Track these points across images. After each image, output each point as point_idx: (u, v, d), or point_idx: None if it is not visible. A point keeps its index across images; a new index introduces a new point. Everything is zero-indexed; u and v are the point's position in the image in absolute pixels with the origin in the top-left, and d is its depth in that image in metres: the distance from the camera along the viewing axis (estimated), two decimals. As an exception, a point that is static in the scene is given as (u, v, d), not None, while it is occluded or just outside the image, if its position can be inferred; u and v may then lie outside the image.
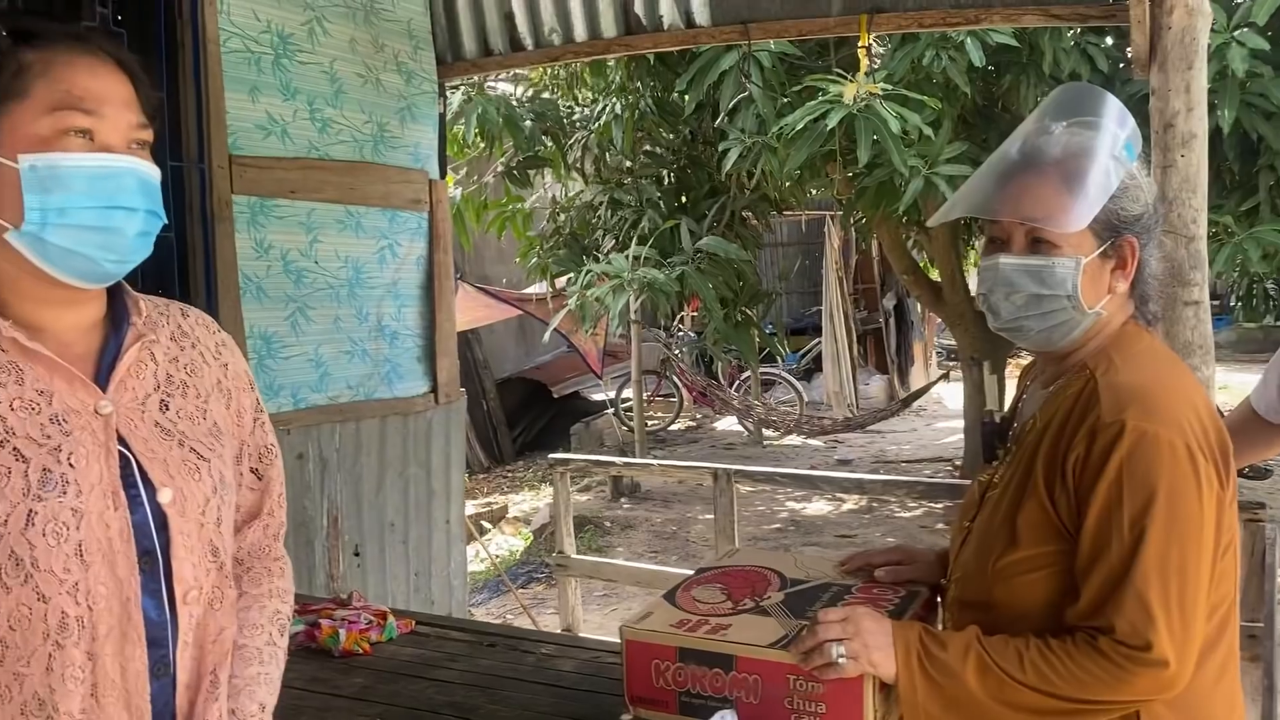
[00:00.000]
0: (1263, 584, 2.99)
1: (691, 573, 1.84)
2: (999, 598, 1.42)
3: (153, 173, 1.20)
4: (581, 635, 4.29)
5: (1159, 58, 2.74)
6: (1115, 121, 1.41)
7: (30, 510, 1.11)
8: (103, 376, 1.22)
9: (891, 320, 12.56)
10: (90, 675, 1.14)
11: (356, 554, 3.64)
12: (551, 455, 4.77)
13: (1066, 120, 1.41)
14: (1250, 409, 2.09)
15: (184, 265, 3.06)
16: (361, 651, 2.65)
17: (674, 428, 11.90)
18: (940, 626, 1.62)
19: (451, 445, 4.09)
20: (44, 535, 1.11)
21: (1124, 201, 1.40)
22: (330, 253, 3.50)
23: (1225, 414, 1.95)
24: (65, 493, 1.13)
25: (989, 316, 1.48)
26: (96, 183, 1.14)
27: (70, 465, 1.15)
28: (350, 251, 3.58)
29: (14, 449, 1.13)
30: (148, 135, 1.20)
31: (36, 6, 3.04)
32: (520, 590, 6.47)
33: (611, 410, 11.07)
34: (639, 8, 3.66)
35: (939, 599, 1.68)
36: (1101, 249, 1.40)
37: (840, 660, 1.36)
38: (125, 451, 1.20)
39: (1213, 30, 3.14)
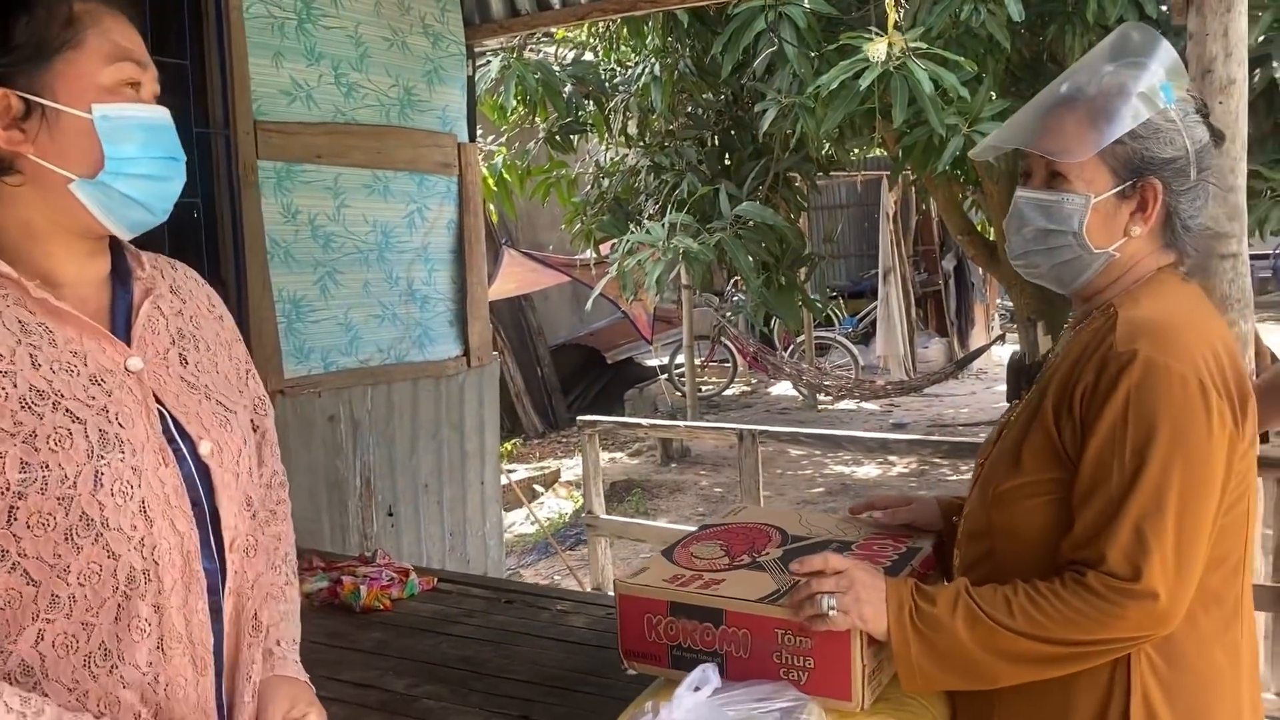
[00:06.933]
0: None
1: (694, 529, 1.85)
2: (997, 522, 1.40)
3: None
4: (608, 593, 4.32)
5: (1196, 1, 2.65)
6: (1159, 62, 1.37)
7: (97, 471, 1.09)
8: (120, 333, 1.19)
9: (951, 282, 12.34)
10: (157, 629, 1.14)
11: (390, 514, 3.70)
12: (581, 418, 4.77)
13: (1117, 61, 1.38)
14: None
15: (211, 231, 3.12)
16: (382, 608, 2.71)
17: (728, 393, 11.87)
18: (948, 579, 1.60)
19: (485, 408, 4.13)
20: (112, 495, 1.10)
21: (1151, 143, 1.36)
22: (358, 217, 3.54)
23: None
24: (123, 452, 1.12)
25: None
26: (152, 134, 1.16)
27: (120, 425, 1.13)
28: (378, 216, 3.62)
29: (66, 410, 1.10)
30: (157, 88, 1.20)
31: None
32: (569, 552, 6.54)
33: (665, 376, 11.08)
34: (664, -37, 3.60)
35: (941, 557, 1.65)
36: (1119, 189, 1.37)
37: (830, 612, 1.35)
38: (160, 408, 1.19)
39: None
